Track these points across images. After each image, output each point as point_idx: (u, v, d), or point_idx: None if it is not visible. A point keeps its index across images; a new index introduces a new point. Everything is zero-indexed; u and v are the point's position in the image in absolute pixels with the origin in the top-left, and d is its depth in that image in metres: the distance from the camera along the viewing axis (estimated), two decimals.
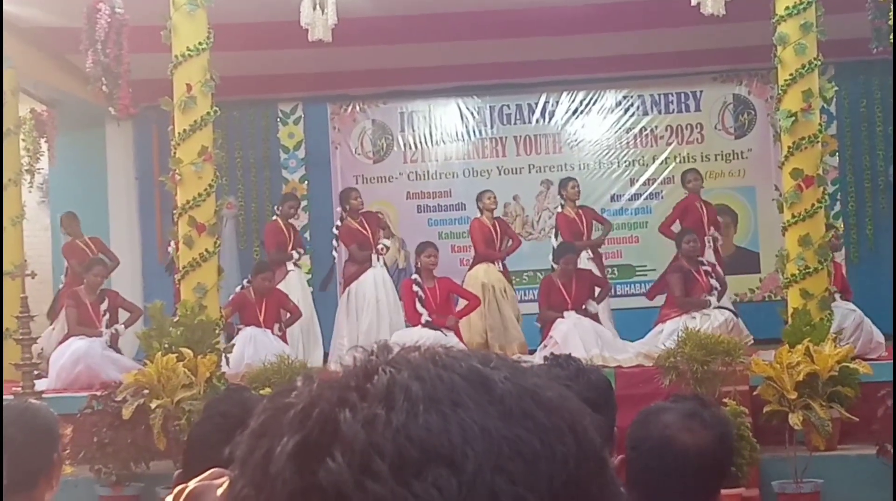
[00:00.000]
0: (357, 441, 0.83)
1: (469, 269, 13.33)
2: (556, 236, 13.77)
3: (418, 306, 12.34)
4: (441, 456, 0.82)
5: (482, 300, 12.85)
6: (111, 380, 11.26)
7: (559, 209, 14.01)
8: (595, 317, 12.35)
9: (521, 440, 0.85)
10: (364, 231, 13.48)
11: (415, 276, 12.63)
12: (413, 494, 0.81)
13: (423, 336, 11.00)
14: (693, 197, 13.60)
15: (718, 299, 12.37)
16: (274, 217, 14.19)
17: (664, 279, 12.71)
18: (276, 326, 12.62)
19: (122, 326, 12.78)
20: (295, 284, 13.62)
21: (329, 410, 0.86)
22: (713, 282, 12.40)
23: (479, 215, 13.65)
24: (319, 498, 0.82)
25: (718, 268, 12.92)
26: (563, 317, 12.10)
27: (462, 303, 12.85)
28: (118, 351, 12.58)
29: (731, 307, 12.57)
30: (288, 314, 12.88)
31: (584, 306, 12.25)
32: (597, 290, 12.62)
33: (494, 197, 13.69)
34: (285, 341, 12.57)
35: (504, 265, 13.51)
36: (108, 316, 12.65)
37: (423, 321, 12.24)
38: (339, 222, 13.71)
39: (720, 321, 11.86)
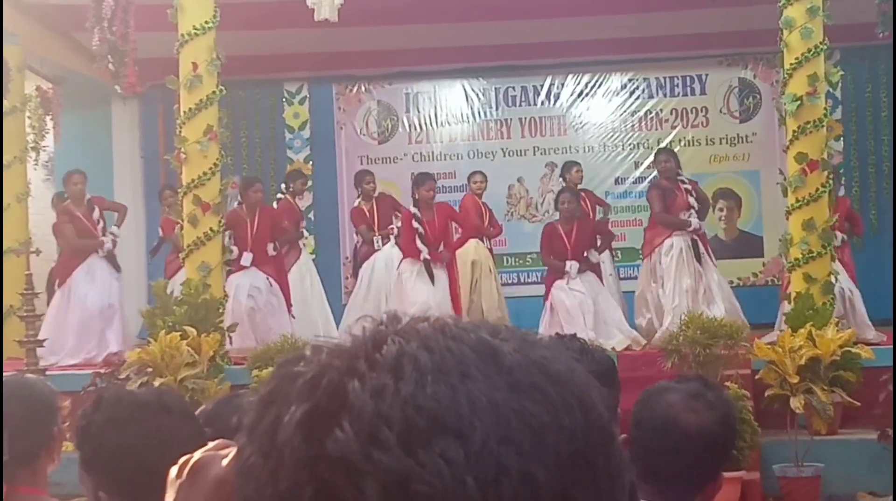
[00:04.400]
0: (365, 411, 0.83)
1: (459, 247, 12.97)
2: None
3: (418, 242, 12.29)
4: (449, 427, 0.82)
5: (471, 278, 12.84)
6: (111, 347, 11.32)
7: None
8: (596, 268, 12.33)
9: (528, 412, 0.85)
10: (369, 214, 13.52)
11: (414, 210, 12.47)
12: (420, 464, 0.81)
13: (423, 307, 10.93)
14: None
15: (700, 218, 12.24)
16: (281, 195, 13.92)
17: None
18: (270, 246, 12.50)
19: (116, 227, 12.80)
20: (306, 263, 13.58)
21: (338, 379, 0.86)
22: (691, 200, 12.24)
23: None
24: (327, 467, 0.82)
25: (700, 187, 12.83)
26: (565, 267, 12.01)
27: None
28: (116, 268, 12.66)
29: (734, 298, 12.41)
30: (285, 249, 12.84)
31: (585, 255, 12.19)
32: (598, 240, 12.63)
33: (483, 179, 13.66)
34: (283, 284, 12.48)
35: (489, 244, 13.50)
36: (101, 224, 12.65)
37: (421, 258, 12.19)
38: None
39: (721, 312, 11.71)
